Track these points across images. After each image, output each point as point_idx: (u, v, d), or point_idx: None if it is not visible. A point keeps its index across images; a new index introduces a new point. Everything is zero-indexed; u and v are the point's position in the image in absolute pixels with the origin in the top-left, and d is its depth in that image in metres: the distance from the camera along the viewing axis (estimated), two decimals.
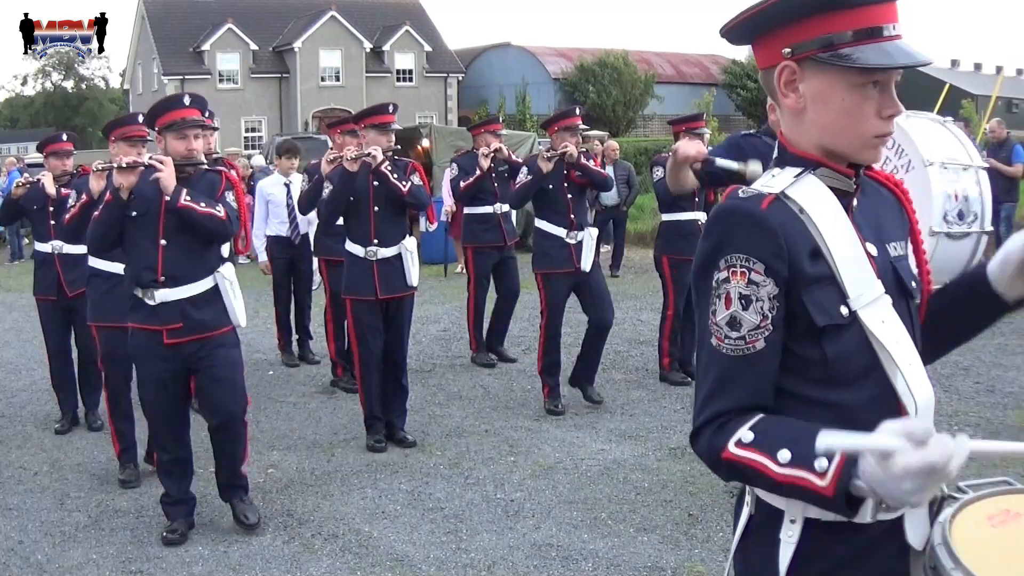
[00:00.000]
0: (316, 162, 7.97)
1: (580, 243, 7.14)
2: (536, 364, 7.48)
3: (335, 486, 5.79)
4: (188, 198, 4.80)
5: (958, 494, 1.79)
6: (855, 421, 1.61)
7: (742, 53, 40.14)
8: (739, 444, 1.66)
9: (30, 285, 7.13)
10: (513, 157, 9.03)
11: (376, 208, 6.36)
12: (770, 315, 1.70)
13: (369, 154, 6.19)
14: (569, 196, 7.16)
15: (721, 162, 3.95)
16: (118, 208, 4.87)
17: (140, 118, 5.61)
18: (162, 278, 4.89)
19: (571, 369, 7.49)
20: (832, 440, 1.51)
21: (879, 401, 1.73)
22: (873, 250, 1.79)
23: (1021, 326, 8.80)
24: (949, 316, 1.98)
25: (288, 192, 8.83)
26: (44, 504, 5.60)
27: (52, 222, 6.69)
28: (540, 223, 7.30)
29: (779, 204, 1.74)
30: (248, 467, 5.35)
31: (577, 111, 7.58)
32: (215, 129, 6.95)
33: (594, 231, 7.36)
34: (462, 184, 8.74)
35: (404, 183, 6.32)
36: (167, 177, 4.79)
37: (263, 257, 9.12)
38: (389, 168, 6.31)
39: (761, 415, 1.70)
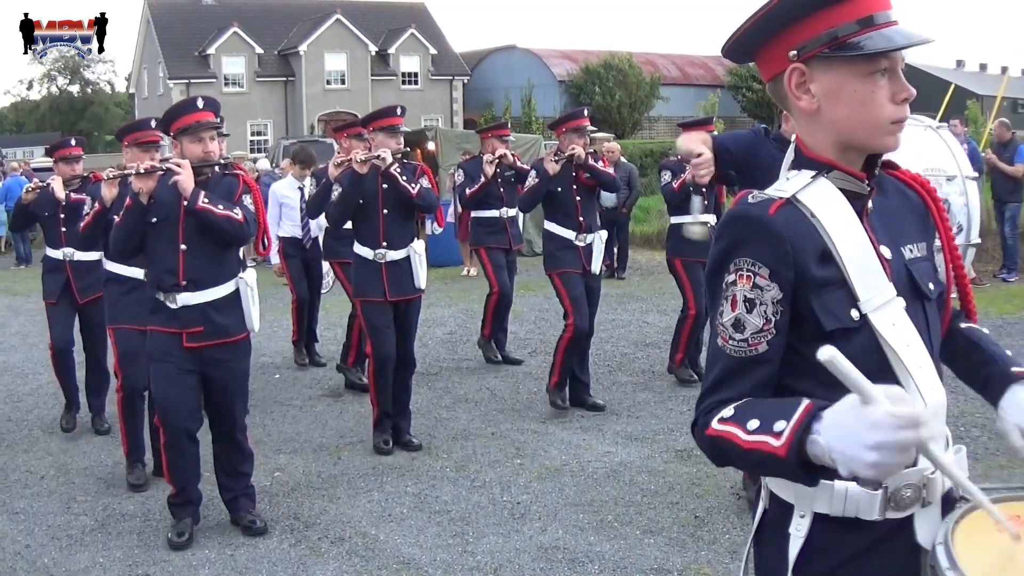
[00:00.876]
0: (323, 166, 7.97)
1: (589, 245, 7.13)
2: (548, 377, 7.32)
3: (341, 489, 5.79)
4: (206, 200, 4.83)
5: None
6: None
7: None
8: (720, 420, 1.70)
9: (37, 289, 7.15)
10: (519, 163, 9.04)
11: (385, 211, 6.36)
12: (773, 319, 1.72)
13: (379, 156, 6.20)
14: (578, 198, 7.14)
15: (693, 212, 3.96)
16: (139, 214, 4.90)
17: (153, 123, 5.64)
18: (184, 282, 4.91)
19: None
20: (836, 354, 1.46)
21: None
22: (887, 252, 1.79)
23: None
24: (954, 363, 2.03)
25: (303, 195, 8.86)
26: (51, 508, 5.61)
27: (63, 228, 6.71)
28: (549, 225, 7.26)
29: (789, 208, 1.75)
30: (254, 473, 5.36)
31: (585, 112, 7.57)
32: (225, 135, 6.95)
33: (603, 233, 7.34)
34: (468, 191, 8.75)
35: (413, 185, 6.33)
36: (186, 179, 4.82)
37: (275, 260, 9.13)
38: (398, 171, 6.31)
39: (749, 398, 1.72)
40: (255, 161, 20.18)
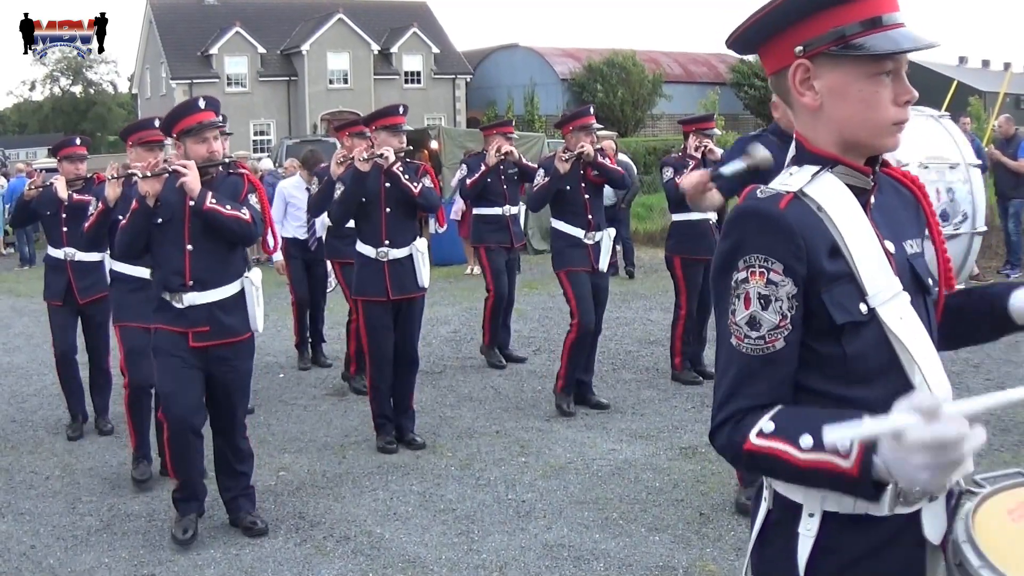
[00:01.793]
0: (325, 165, 7.96)
1: (598, 244, 7.13)
2: (554, 379, 7.32)
3: (347, 488, 5.79)
4: (214, 201, 4.83)
5: (976, 488, 1.78)
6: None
7: None
8: (760, 434, 1.68)
9: (40, 290, 7.14)
10: (524, 161, 9.03)
11: (388, 209, 6.36)
12: (789, 315, 1.72)
13: (381, 155, 6.20)
14: (586, 196, 7.14)
15: (727, 169, 3.90)
16: (145, 216, 4.90)
17: (157, 122, 5.63)
18: (190, 282, 4.92)
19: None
20: (840, 433, 1.49)
21: (897, 397, 1.73)
22: (891, 247, 1.80)
23: None
24: (960, 318, 2.00)
25: (310, 196, 8.84)
26: (56, 508, 5.62)
27: (64, 228, 6.71)
28: (557, 223, 7.25)
29: (797, 203, 1.75)
30: (256, 474, 5.37)
31: (591, 110, 7.55)
32: (229, 134, 6.94)
33: (611, 231, 7.34)
34: (468, 181, 8.74)
35: (415, 184, 6.33)
36: (192, 181, 4.82)
37: (278, 257, 9.13)
38: (401, 169, 6.32)
39: (780, 406, 1.71)
40: (258, 160, 20.16)
